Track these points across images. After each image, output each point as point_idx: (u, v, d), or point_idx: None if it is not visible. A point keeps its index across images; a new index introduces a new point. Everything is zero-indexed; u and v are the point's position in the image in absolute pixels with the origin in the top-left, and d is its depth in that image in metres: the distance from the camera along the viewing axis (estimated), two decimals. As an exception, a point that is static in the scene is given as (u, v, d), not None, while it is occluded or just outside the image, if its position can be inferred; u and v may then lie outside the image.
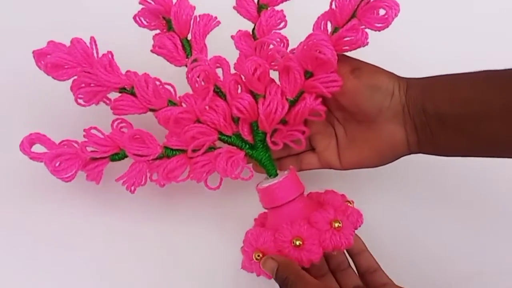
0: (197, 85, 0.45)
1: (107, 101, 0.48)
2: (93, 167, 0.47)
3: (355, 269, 0.49)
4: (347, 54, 0.46)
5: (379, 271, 0.48)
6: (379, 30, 0.43)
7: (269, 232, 0.45)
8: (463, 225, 0.59)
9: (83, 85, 0.46)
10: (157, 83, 0.46)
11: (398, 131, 0.45)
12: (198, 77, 0.45)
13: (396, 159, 0.47)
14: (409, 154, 0.46)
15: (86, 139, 0.46)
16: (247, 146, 0.47)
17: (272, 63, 0.46)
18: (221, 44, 0.48)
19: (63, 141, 0.48)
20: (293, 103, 0.46)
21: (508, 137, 0.40)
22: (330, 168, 0.50)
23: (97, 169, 0.47)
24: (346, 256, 0.50)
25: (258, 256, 0.44)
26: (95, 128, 0.47)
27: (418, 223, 0.59)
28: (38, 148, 0.47)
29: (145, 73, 0.46)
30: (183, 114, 0.45)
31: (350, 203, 0.48)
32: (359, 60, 0.46)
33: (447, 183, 0.60)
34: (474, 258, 0.57)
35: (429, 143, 0.44)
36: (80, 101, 0.47)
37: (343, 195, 0.49)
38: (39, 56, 0.46)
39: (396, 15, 0.43)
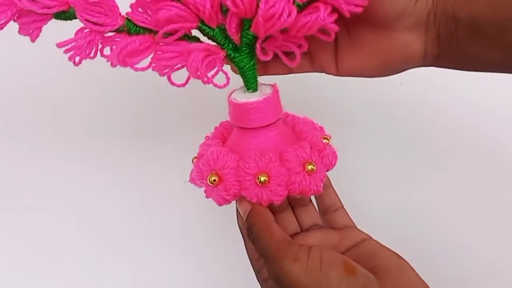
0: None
1: None
2: (30, 20, 0.36)
3: (316, 206, 0.45)
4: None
5: (341, 210, 0.44)
6: None
7: (232, 156, 0.38)
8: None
9: None
10: None
11: (416, 43, 0.38)
12: None
13: (403, 71, 0.41)
14: (421, 66, 0.40)
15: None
16: (230, 46, 0.38)
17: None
18: None
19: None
20: (301, 8, 0.36)
21: None
22: (323, 72, 0.43)
23: (35, 25, 0.37)
24: None
25: (214, 180, 0.38)
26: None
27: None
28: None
29: None
30: (163, -14, 0.34)
31: (328, 140, 0.42)
32: None
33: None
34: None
35: (450, 56, 0.38)
36: None
37: (321, 128, 0.42)
38: None
39: None
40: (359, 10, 0.35)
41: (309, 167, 0.38)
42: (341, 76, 0.42)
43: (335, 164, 0.41)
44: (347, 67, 0.41)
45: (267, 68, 0.43)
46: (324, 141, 0.41)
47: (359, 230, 0.42)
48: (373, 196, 0.57)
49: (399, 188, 0.58)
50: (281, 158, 0.38)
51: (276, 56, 0.41)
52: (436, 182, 0.58)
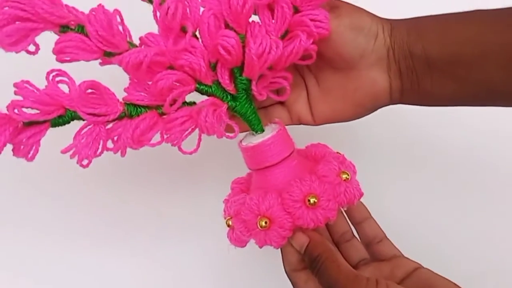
0: (170, 23, 0.36)
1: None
2: (28, 135, 0.35)
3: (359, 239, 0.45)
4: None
5: (386, 240, 0.44)
6: None
7: (272, 194, 0.38)
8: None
9: (8, 20, 0.33)
10: (118, 18, 0.35)
11: (381, 78, 0.41)
12: (172, 13, 0.35)
13: (375, 110, 0.43)
14: (389, 104, 0.42)
15: (19, 97, 0.34)
16: (229, 97, 0.40)
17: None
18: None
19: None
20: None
21: (503, 81, 0.37)
22: (301, 124, 0.45)
23: (33, 139, 0.35)
24: (349, 225, 0.45)
25: (265, 223, 0.37)
26: (27, 82, 0.34)
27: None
28: None
29: (100, 5, 0.35)
30: (159, 57, 0.35)
31: (347, 175, 0.43)
32: None
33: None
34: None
35: (413, 90, 0.40)
36: (4, 43, 0.33)
37: (343, 159, 0.44)
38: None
39: None
40: (325, 32, 0.39)
41: (344, 176, 0.39)
42: (318, 125, 0.44)
43: (356, 171, 0.43)
44: (321, 114, 0.44)
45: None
46: (344, 176, 0.42)
47: (407, 258, 0.42)
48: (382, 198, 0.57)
49: (400, 190, 0.60)
50: (318, 176, 0.39)
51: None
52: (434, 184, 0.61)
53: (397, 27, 0.40)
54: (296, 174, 0.40)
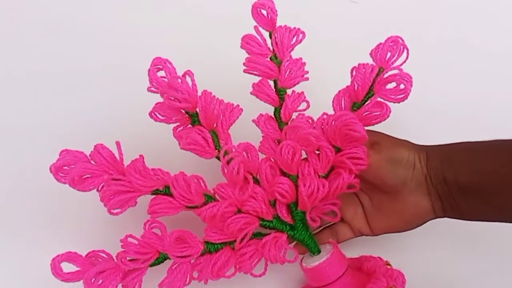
0: (235, 177, 0.45)
1: (133, 203, 0.46)
2: (132, 277, 0.45)
3: None
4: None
5: None
6: (397, 102, 0.46)
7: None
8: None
9: (114, 194, 0.43)
10: (195, 180, 0.45)
11: (423, 200, 0.46)
12: (237, 170, 0.44)
13: (423, 223, 0.48)
14: (435, 218, 0.48)
15: (124, 249, 0.44)
16: (288, 227, 0.48)
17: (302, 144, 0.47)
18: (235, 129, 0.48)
19: (89, 253, 0.45)
20: (325, 177, 0.47)
21: None
22: (363, 235, 0.51)
23: (137, 279, 0.45)
24: None
25: None
26: (131, 236, 0.45)
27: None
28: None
29: (181, 172, 0.45)
30: (228, 208, 0.44)
31: (390, 265, 0.50)
32: (376, 132, 0.48)
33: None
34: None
35: (453, 210, 0.45)
36: (113, 210, 0.44)
37: (380, 258, 0.50)
38: (58, 169, 0.43)
39: (411, 86, 0.46)
40: (363, 167, 0.46)
41: None
42: (377, 235, 0.50)
43: (405, 281, 0.49)
44: (378, 228, 0.50)
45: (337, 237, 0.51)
46: (387, 266, 0.49)
47: None
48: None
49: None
50: None
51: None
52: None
53: (431, 157, 0.45)
54: None
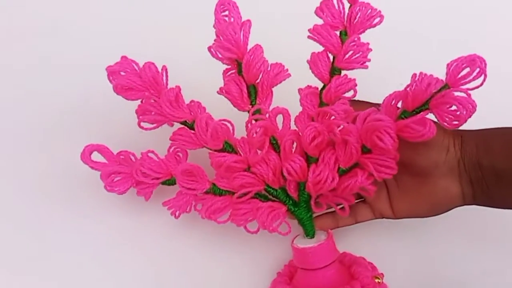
0: (254, 137, 0.46)
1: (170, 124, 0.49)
2: (144, 187, 0.50)
3: None
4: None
5: None
6: (450, 126, 0.41)
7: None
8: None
9: (147, 112, 0.47)
10: (217, 125, 0.46)
11: (453, 185, 0.45)
12: (256, 132, 0.45)
13: (450, 209, 0.47)
14: (464, 205, 0.46)
15: (140, 162, 0.49)
16: (291, 202, 0.48)
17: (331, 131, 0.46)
18: (285, 92, 0.48)
19: (120, 152, 0.51)
20: (344, 172, 0.45)
21: None
22: (383, 218, 0.50)
23: (148, 189, 0.50)
24: None
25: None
26: (152, 151, 0.49)
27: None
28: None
29: (207, 114, 0.47)
30: (236, 163, 0.46)
31: (379, 279, 0.48)
32: None
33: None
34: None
35: (485, 197, 0.44)
36: (143, 124, 0.48)
37: (373, 268, 0.49)
38: (111, 73, 0.48)
39: (470, 116, 0.40)
40: (389, 176, 0.43)
41: (377, 280, 0.45)
42: (399, 218, 0.49)
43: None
44: (401, 211, 0.48)
45: (338, 222, 0.51)
46: (376, 280, 0.48)
47: None
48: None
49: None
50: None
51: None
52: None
53: (466, 141, 0.44)
54: (328, 283, 0.47)
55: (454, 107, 0.41)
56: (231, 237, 0.57)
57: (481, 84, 0.41)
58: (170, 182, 0.50)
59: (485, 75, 0.40)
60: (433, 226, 0.56)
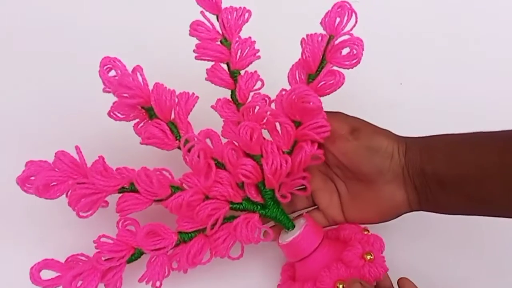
0: (199, 161, 0.45)
1: (104, 204, 0.46)
2: (112, 275, 0.45)
3: None
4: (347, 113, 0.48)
5: None
6: (351, 67, 0.46)
7: (309, 284, 0.45)
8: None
9: (81, 198, 0.44)
10: (157, 173, 0.45)
11: (399, 192, 0.46)
12: (197, 156, 0.44)
13: (398, 216, 0.48)
14: (411, 211, 0.47)
15: (98, 250, 0.45)
16: (259, 207, 0.48)
17: (262, 123, 0.47)
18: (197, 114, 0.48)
19: (68, 258, 0.46)
20: (290, 153, 0.47)
21: (506, 198, 0.40)
22: (336, 224, 0.51)
23: (116, 276, 0.46)
24: None
25: (305, 312, 0.44)
26: (104, 235, 0.45)
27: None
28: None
29: (144, 167, 0.45)
30: (193, 197, 0.45)
31: (367, 231, 0.50)
32: (358, 119, 0.47)
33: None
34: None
35: (429, 203, 0.45)
36: (82, 213, 0.45)
37: (358, 226, 0.50)
38: (24, 181, 0.44)
39: (363, 49, 0.45)
40: (327, 134, 0.45)
41: (368, 257, 0.45)
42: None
43: (384, 245, 0.49)
44: (352, 217, 0.49)
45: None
46: (365, 232, 0.49)
47: None
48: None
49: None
50: (344, 262, 0.45)
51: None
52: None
53: (411, 148, 0.45)
54: (327, 260, 0.46)
55: (346, 50, 0.46)
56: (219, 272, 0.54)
57: (356, 22, 0.47)
58: (136, 255, 0.46)
59: (356, 14, 0.46)
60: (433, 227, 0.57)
